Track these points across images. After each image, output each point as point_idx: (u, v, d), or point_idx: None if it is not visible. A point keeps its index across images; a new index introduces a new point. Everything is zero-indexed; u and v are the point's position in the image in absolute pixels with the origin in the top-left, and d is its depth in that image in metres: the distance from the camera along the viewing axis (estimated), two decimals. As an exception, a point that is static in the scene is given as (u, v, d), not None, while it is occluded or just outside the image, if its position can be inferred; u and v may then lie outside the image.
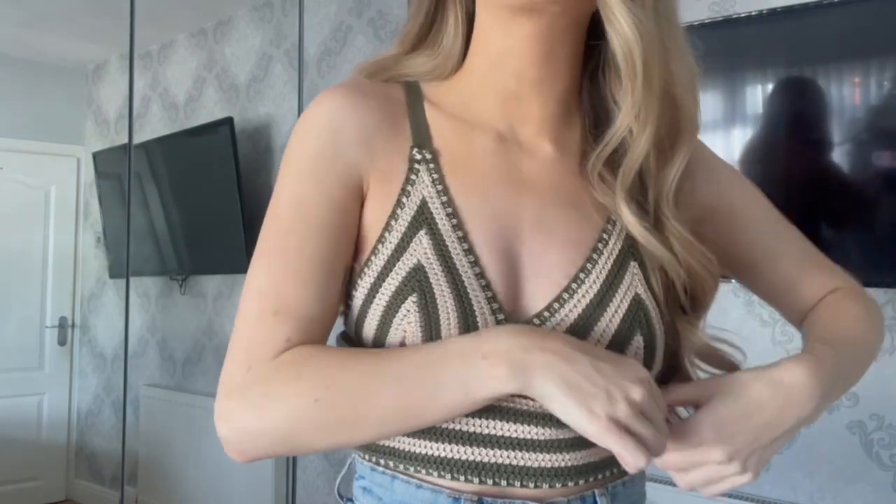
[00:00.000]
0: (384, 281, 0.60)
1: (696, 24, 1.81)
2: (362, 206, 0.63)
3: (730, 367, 0.68)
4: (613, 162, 0.64)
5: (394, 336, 0.59)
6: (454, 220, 0.61)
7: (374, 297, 0.60)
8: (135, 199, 3.25)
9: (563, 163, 0.67)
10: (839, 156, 1.63)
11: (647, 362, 0.62)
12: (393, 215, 0.61)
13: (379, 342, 0.60)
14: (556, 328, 0.60)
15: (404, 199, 0.61)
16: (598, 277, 0.62)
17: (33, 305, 3.78)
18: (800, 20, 1.65)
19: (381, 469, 0.62)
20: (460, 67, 0.69)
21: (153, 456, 3.40)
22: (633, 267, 0.63)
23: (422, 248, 0.59)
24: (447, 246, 0.60)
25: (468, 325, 0.58)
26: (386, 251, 0.60)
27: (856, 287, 0.74)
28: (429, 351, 0.56)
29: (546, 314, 0.60)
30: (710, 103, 1.80)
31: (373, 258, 0.61)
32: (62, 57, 3.79)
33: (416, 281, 0.58)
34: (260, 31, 3.14)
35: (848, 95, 1.61)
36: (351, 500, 0.67)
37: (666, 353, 0.64)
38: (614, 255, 0.63)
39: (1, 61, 3.61)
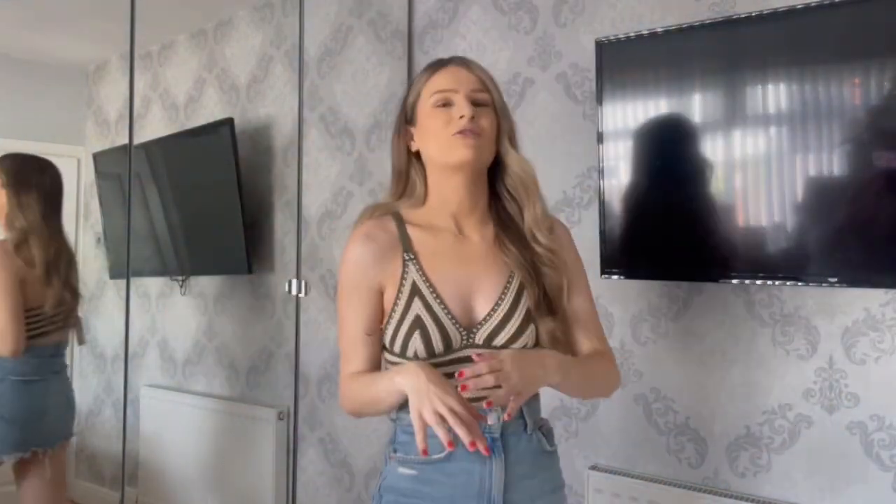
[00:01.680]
0: (400, 326, 1.21)
1: (696, 24, 1.82)
2: (383, 292, 1.24)
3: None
4: (511, 238, 1.26)
5: (409, 350, 1.20)
6: (430, 288, 1.21)
7: (396, 334, 1.21)
8: (135, 200, 3.25)
9: (486, 244, 1.27)
10: (840, 156, 1.63)
11: (536, 338, 1.22)
12: (399, 293, 1.22)
13: (403, 353, 1.21)
14: (487, 328, 1.21)
15: (403, 283, 1.22)
16: (507, 302, 1.22)
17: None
18: (800, 20, 1.65)
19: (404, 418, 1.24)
20: (426, 200, 1.28)
21: (153, 456, 3.40)
22: (526, 295, 1.22)
23: (418, 306, 1.20)
24: (429, 302, 1.20)
25: (445, 337, 1.19)
26: (399, 313, 1.21)
27: (610, 355, 1.32)
28: (382, 385, 1.18)
29: (482, 323, 1.21)
30: (710, 103, 1.80)
31: (393, 314, 1.22)
32: (62, 57, 3.79)
33: (419, 324, 1.19)
34: (260, 31, 3.14)
35: (848, 95, 1.61)
36: (396, 419, 1.26)
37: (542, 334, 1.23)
38: (515, 290, 1.23)
39: (1, 61, 3.60)
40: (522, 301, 1.21)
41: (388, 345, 1.24)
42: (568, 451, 2.18)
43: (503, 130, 1.25)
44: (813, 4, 1.63)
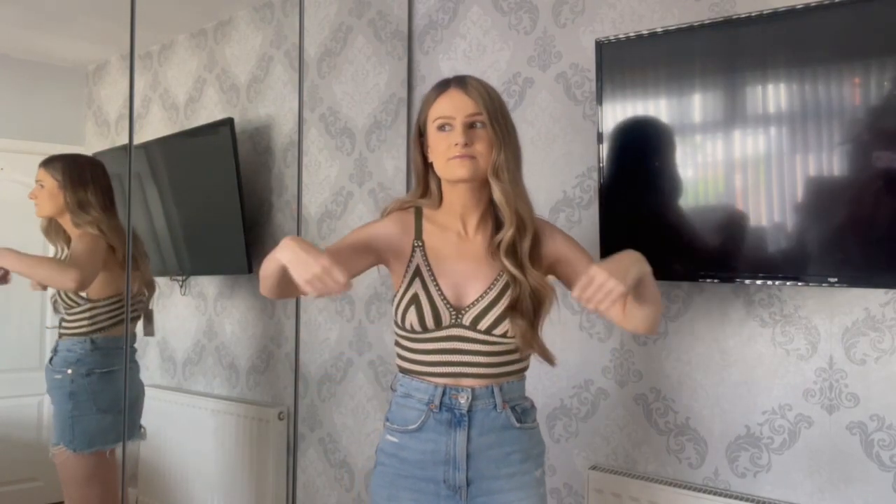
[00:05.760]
0: (402, 301, 1.44)
1: (696, 24, 1.82)
2: (388, 263, 1.49)
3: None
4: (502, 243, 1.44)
5: (406, 323, 1.43)
6: (430, 272, 1.44)
7: (398, 307, 1.45)
8: (135, 200, 3.24)
9: (484, 244, 1.46)
10: (840, 156, 1.63)
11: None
12: (405, 273, 1.45)
13: (402, 325, 1.44)
14: (474, 312, 1.41)
15: (409, 266, 1.46)
16: (493, 294, 1.42)
17: (33, 305, 3.77)
18: (800, 20, 1.65)
19: (402, 375, 1.49)
20: (441, 203, 1.49)
21: (153, 456, 3.40)
22: (510, 292, 1.41)
23: (417, 286, 1.43)
24: (427, 284, 1.43)
25: (437, 315, 1.41)
26: (402, 290, 1.45)
27: None
28: (270, 262, 1.31)
29: (470, 307, 1.42)
30: (710, 103, 1.80)
31: (398, 292, 1.46)
32: (62, 57, 3.78)
33: (415, 301, 1.42)
34: (260, 31, 3.14)
35: (848, 95, 1.61)
36: (395, 390, 1.49)
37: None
38: (501, 286, 1.42)
39: (1, 62, 3.60)
40: (506, 295, 1.40)
41: (394, 316, 1.47)
42: (568, 451, 2.18)
43: (492, 157, 1.39)
44: (813, 4, 1.63)
